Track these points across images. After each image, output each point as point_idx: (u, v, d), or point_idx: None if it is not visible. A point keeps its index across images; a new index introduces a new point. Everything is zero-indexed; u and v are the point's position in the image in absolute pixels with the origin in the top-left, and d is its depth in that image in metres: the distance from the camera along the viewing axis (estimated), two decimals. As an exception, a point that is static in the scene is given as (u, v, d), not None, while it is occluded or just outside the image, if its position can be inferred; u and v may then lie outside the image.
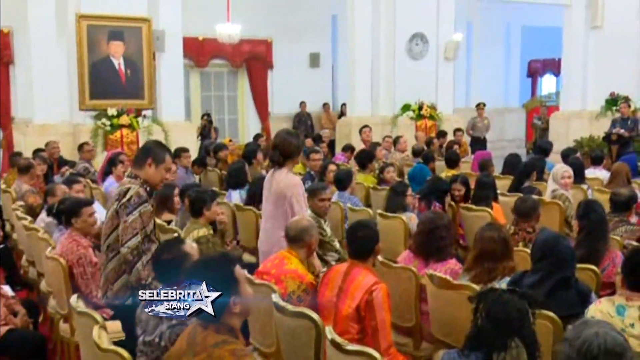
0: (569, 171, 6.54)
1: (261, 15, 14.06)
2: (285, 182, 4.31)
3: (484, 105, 13.52)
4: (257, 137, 11.11)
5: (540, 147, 9.01)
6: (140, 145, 9.63)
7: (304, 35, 14.86)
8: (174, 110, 10.51)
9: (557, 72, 18.56)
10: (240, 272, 2.54)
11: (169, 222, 5.41)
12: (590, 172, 8.03)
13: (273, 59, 14.90)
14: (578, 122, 13.82)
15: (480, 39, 17.68)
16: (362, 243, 3.68)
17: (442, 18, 12.24)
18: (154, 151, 3.80)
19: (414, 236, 4.35)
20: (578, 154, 8.56)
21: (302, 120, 15.38)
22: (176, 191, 5.54)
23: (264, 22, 14.20)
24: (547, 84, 21.32)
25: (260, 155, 8.74)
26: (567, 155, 8.16)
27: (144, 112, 10.13)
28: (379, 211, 6.01)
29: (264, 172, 8.02)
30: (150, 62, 10.15)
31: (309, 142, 10.94)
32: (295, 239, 3.97)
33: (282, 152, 4.34)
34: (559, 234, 3.72)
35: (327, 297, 3.63)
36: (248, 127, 14.87)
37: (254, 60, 14.79)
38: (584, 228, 4.32)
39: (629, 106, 12.36)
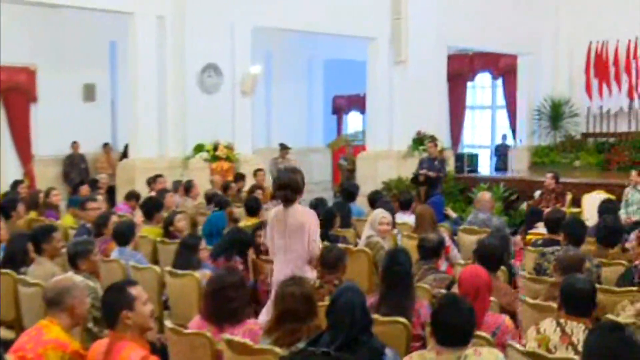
0: (388, 217, 6.92)
1: (22, 38, 13.42)
2: (303, 214, 5.34)
3: (289, 148, 13.96)
4: (16, 184, 10.47)
5: (346, 190, 9.42)
6: None
7: (76, 64, 14.38)
8: None
9: (362, 109, 19.68)
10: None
11: None
12: (399, 217, 8.53)
13: (37, 91, 14.21)
14: (385, 162, 14.71)
15: (280, 73, 18.27)
16: (104, 308, 3.61)
17: (237, 48, 12.50)
18: None
19: (202, 298, 4.33)
20: (386, 197, 9.09)
21: (74, 163, 14.76)
22: None
23: (26, 46, 13.56)
24: (353, 121, 22.52)
25: (21, 207, 8.23)
26: (374, 199, 8.63)
27: None
28: (168, 269, 5.91)
29: (23, 229, 7.55)
30: None
31: (85, 190, 10.50)
32: (54, 301, 3.78)
33: (293, 190, 5.31)
34: (348, 288, 3.88)
35: None
36: (5, 173, 13.92)
37: (12, 91, 13.99)
38: (387, 281, 4.57)
39: (436, 145, 13.48)
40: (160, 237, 7.46)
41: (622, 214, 10.02)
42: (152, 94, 11.95)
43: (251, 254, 6.25)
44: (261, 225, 6.71)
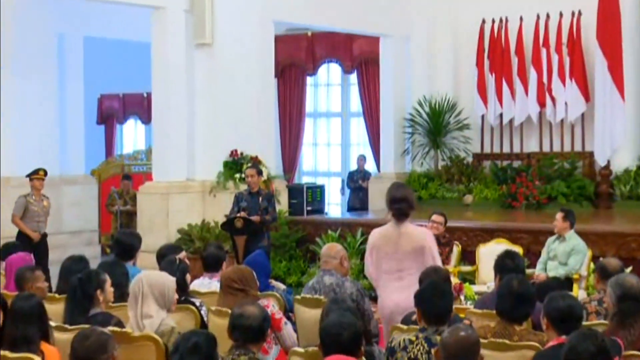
0: (172, 287, 6.80)
1: None
2: (420, 234, 7.46)
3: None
4: None
5: (122, 243, 9.22)
6: None
7: None
8: None
9: (147, 117, 19.49)
10: None
11: None
12: (204, 283, 8.50)
13: None
14: (183, 199, 14.58)
15: (13, 59, 17.75)
16: None
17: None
18: None
19: None
20: (183, 254, 8.97)
21: None
22: None
23: None
24: (132, 135, 22.31)
25: None
26: (163, 256, 8.49)
27: None
28: None
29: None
30: None
31: None
32: None
33: (410, 204, 7.41)
34: None
35: None
36: None
37: None
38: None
39: (260, 173, 13.38)
40: None
41: (540, 270, 10.86)
42: None
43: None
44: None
